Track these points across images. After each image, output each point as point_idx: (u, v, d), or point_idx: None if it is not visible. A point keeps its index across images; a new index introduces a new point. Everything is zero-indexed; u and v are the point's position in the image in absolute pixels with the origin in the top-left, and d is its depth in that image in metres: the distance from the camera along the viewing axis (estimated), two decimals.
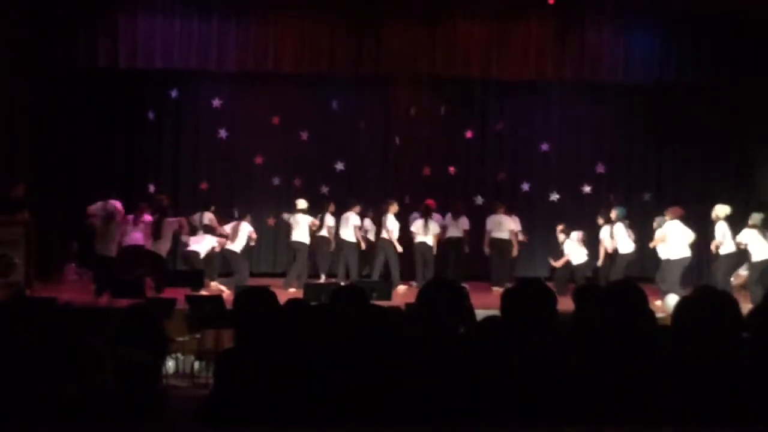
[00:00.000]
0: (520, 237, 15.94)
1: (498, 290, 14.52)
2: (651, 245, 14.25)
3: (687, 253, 13.81)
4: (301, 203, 15.35)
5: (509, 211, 15.94)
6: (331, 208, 15.66)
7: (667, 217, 13.99)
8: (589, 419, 3.20)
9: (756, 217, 13.80)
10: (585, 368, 3.54)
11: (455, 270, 15.34)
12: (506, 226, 15.70)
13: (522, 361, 3.54)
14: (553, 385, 3.44)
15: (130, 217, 14.23)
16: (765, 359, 3.62)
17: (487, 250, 15.75)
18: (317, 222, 15.32)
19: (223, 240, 14.86)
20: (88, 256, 14.62)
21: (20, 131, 15.16)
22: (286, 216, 15.68)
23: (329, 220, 15.54)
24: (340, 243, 15.57)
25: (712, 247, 13.94)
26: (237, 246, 14.78)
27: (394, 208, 15.54)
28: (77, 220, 14.76)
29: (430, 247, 15.50)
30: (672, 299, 11.14)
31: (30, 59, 14.98)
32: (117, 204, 14.36)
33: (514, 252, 15.79)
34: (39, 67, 15.31)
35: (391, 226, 15.45)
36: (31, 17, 14.87)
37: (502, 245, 15.72)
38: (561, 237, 15.17)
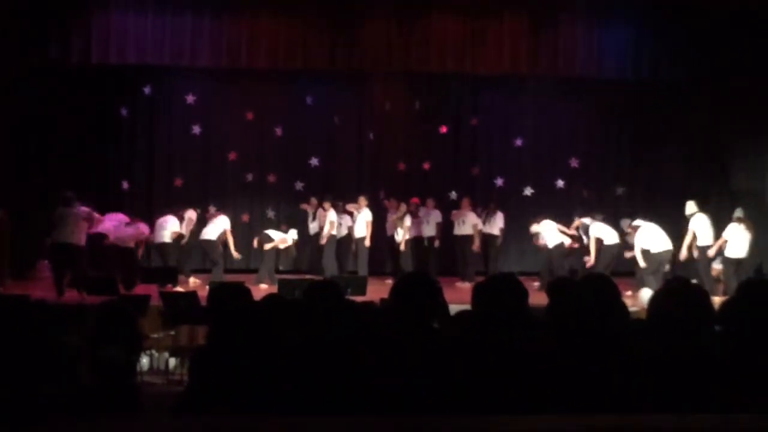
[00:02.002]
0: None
1: (465, 285, 14.66)
2: (631, 254, 14.27)
3: (669, 245, 13.90)
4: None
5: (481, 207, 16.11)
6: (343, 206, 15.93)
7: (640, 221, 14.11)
8: (561, 410, 3.22)
9: (740, 211, 13.87)
10: (557, 361, 3.56)
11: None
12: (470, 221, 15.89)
13: (494, 354, 3.56)
14: (526, 378, 3.46)
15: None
16: (737, 351, 3.65)
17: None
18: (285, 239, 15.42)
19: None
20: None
21: None
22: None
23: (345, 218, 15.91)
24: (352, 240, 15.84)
25: (687, 246, 14.02)
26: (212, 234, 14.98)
27: (364, 203, 15.72)
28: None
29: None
30: (646, 293, 11.23)
31: (1, 55, 14.84)
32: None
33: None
34: (10, 64, 15.16)
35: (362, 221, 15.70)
36: (2, 13, 14.72)
37: (488, 240, 16.04)
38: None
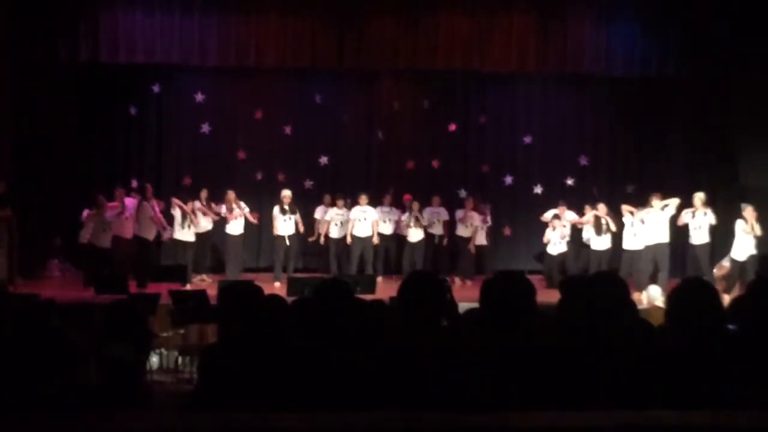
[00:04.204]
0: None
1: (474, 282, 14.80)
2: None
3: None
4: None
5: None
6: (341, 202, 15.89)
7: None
8: (571, 407, 3.22)
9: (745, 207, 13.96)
10: (566, 357, 3.56)
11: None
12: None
13: (502, 352, 3.56)
14: (534, 375, 3.46)
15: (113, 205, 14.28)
16: (750, 349, 3.65)
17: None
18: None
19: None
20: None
21: (1, 127, 15.04)
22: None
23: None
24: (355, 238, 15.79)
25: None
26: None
27: (365, 201, 15.69)
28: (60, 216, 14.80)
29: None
30: (654, 290, 11.21)
31: (11, 54, 14.88)
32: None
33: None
34: (20, 63, 15.20)
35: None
36: (12, 12, 14.76)
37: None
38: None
